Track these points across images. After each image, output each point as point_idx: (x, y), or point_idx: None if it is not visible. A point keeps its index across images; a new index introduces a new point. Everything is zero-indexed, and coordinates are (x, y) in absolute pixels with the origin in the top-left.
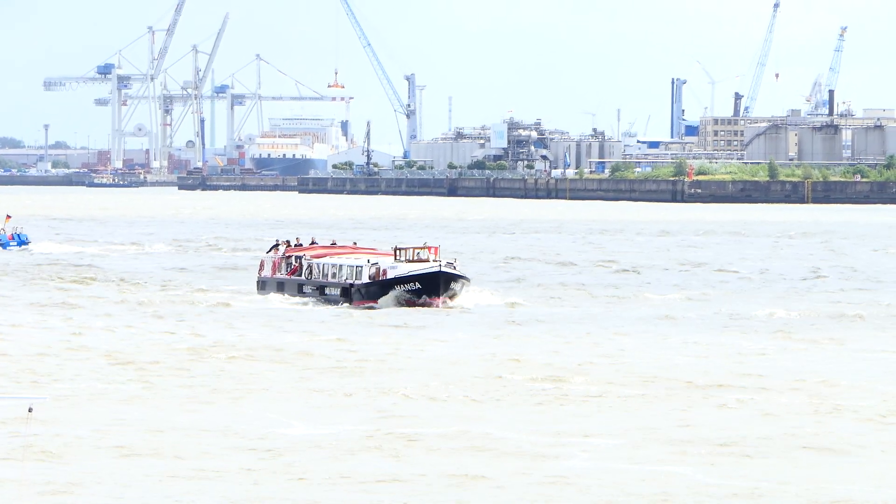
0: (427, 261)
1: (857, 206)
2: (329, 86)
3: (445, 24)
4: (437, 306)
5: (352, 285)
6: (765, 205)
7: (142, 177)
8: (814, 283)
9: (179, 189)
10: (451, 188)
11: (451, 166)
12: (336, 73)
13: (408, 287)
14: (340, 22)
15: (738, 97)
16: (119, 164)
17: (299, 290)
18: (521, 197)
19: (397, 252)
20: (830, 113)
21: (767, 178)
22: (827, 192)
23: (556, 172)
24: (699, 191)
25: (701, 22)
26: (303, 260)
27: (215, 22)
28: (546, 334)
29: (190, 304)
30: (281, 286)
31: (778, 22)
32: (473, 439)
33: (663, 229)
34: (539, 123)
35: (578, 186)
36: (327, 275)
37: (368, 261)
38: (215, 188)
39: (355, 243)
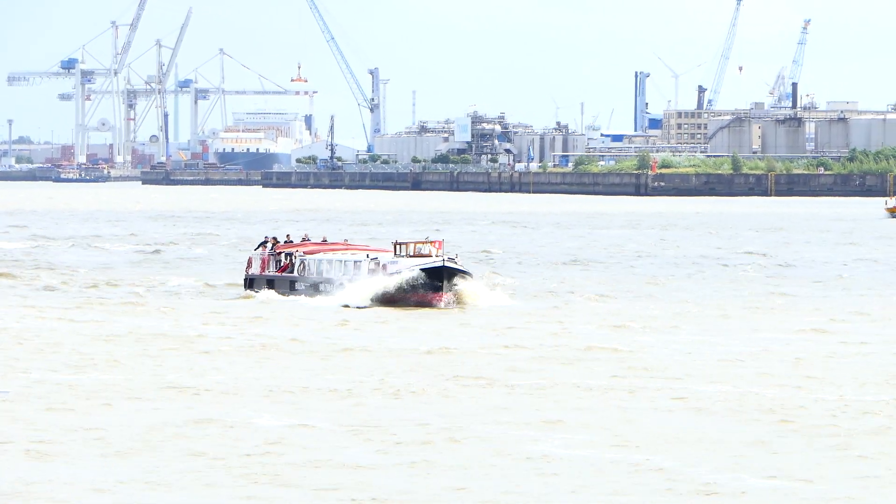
0: (429, 255)
1: (820, 199)
2: (292, 80)
3: (409, 18)
4: (441, 305)
5: (350, 281)
6: (728, 198)
7: (105, 171)
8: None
9: (143, 184)
10: (415, 182)
11: (414, 160)
12: (299, 68)
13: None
14: (304, 16)
15: (701, 90)
16: (83, 159)
17: (291, 288)
18: (485, 191)
19: (397, 247)
20: (794, 106)
21: (731, 171)
22: (790, 185)
23: (520, 166)
24: (663, 184)
25: (664, 15)
26: (294, 256)
27: (178, 16)
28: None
29: (171, 299)
30: (270, 283)
31: (741, 15)
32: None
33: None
34: (503, 117)
35: (542, 180)
36: (322, 271)
37: (367, 256)
38: (179, 183)
39: (347, 240)
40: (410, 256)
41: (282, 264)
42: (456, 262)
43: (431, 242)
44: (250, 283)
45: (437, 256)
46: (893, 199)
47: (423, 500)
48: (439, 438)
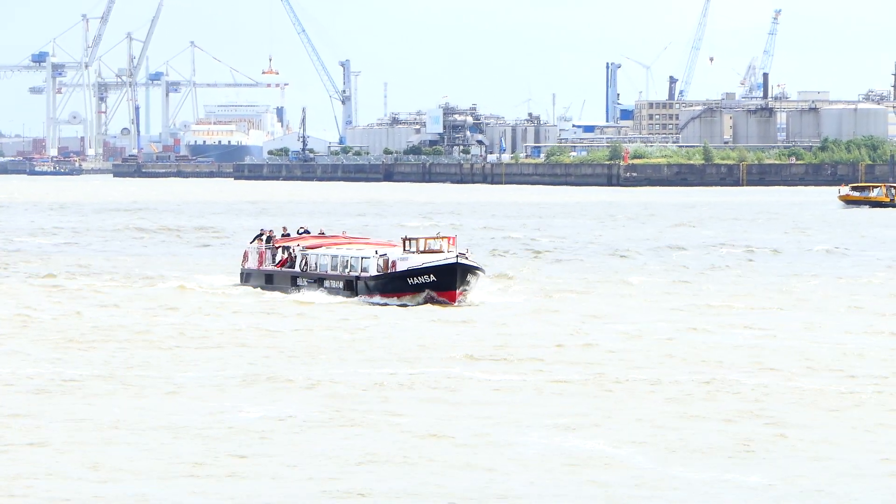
0: (440, 251)
1: (791, 189)
2: (263, 72)
3: (380, 10)
4: (455, 303)
5: (357, 278)
6: (700, 188)
7: (77, 164)
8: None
9: (115, 176)
10: (387, 173)
11: (386, 152)
12: (270, 60)
13: (421, 280)
14: (274, 8)
15: (672, 81)
16: (54, 152)
17: (292, 283)
18: (457, 182)
19: (406, 242)
20: (765, 96)
21: (703, 162)
22: (762, 175)
23: (492, 157)
24: (635, 175)
25: (636, 6)
26: (295, 250)
27: (149, 9)
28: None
29: (165, 293)
30: (269, 278)
31: (712, 6)
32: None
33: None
34: (474, 108)
35: (514, 171)
36: (326, 266)
37: (376, 251)
38: (151, 175)
39: (344, 232)
40: (421, 252)
41: (281, 258)
42: (468, 259)
43: (444, 238)
44: (247, 277)
45: (448, 252)
46: (847, 187)
47: (405, 494)
48: (426, 433)
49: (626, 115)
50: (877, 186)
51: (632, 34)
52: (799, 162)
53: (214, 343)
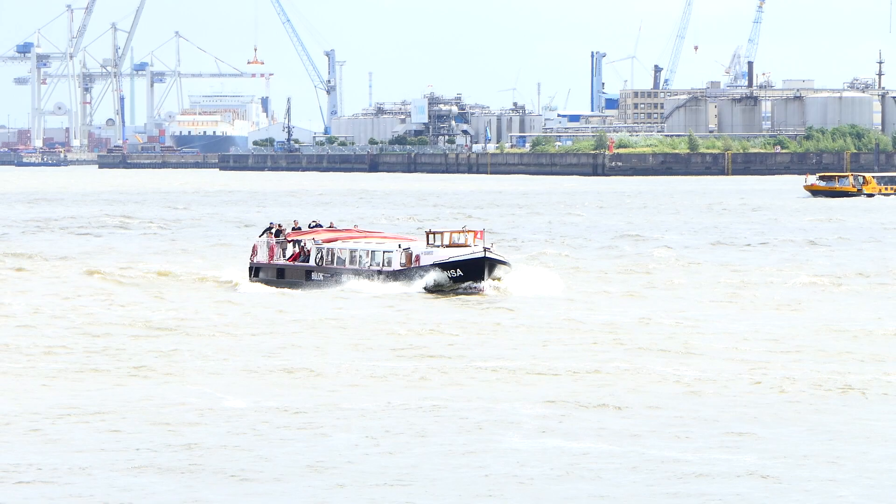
0: (466, 245)
1: (777, 178)
2: (249, 62)
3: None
4: (482, 291)
5: (379, 272)
6: (685, 177)
7: (62, 155)
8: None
9: (100, 167)
10: (373, 164)
11: (372, 142)
12: (255, 50)
13: (447, 274)
14: None
15: (657, 70)
16: (39, 143)
17: (306, 277)
18: (443, 172)
19: (430, 236)
20: (750, 84)
21: (688, 151)
22: (747, 164)
23: (477, 147)
24: (620, 164)
25: None
26: (308, 244)
27: None
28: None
29: (175, 285)
30: (281, 273)
31: None
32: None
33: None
34: (459, 98)
35: (499, 161)
36: (345, 260)
37: (399, 245)
38: (136, 166)
39: (356, 226)
40: (446, 246)
41: (293, 252)
42: (494, 252)
43: (469, 231)
44: (256, 271)
45: (475, 246)
46: (814, 176)
47: (396, 484)
48: (422, 426)
49: (611, 104)
50: (844, 176)
51: (617, 23)
52: (784, 151)
53: (222, 334)
